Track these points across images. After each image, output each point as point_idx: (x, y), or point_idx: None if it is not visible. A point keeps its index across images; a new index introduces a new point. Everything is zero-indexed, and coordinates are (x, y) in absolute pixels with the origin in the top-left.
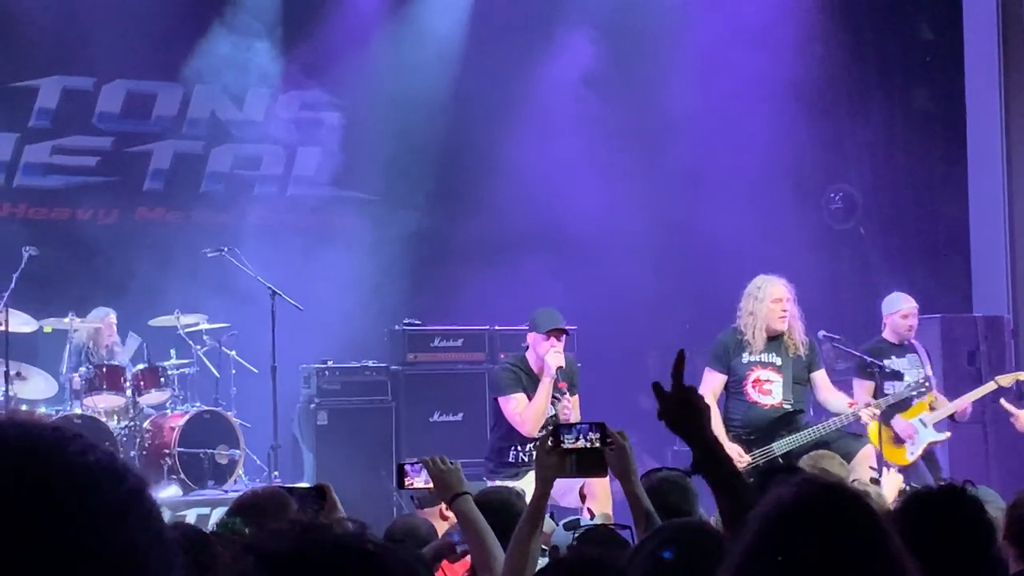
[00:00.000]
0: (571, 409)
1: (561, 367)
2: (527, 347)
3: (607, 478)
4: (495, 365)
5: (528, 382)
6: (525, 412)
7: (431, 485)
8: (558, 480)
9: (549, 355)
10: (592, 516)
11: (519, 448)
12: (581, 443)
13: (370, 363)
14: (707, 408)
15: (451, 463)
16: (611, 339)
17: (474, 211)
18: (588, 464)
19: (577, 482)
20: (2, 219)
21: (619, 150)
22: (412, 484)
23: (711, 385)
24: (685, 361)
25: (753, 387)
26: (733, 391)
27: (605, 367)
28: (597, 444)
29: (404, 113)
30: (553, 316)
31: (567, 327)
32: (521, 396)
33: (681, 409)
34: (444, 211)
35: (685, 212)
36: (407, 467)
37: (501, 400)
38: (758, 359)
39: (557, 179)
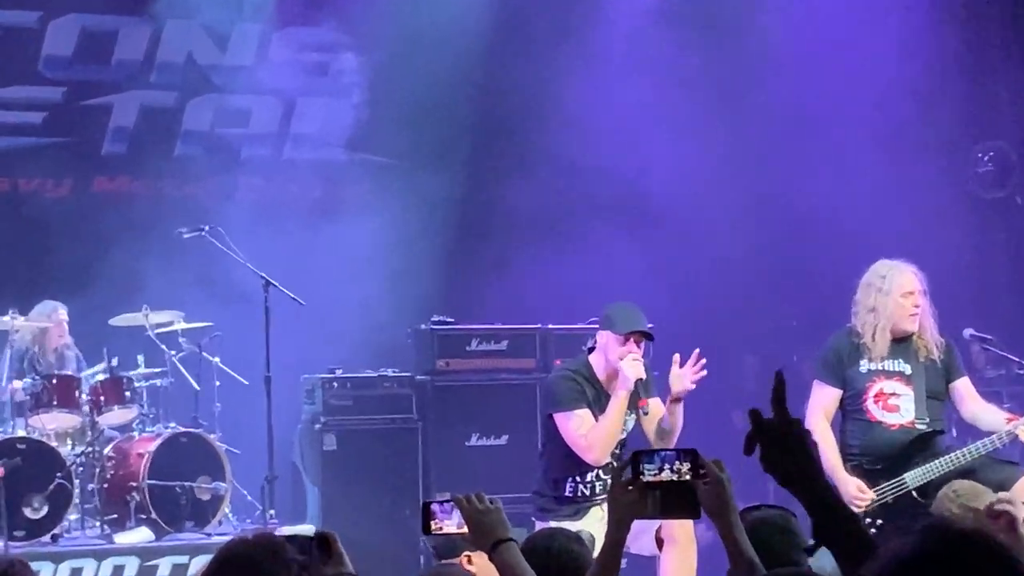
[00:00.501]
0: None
1: (641, 379)
2: (590, 349)
3: (691, 521)
4: (549, 374)
5: (593, 395)
6: (592, 434)
7: (465, 529)
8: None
9: (627, 363)
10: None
11: (578, 479)
12: (667, 475)
13: (390, 372)
14: (815, 447)
15: (490, 502)
16: (695, 340)
17: (521, 176)
18: (675, 502)
19: (652, 524)
20: None
21: (702, 96)
22: (441, 528)
23: (822, 402)
24: (785, 383)
25: (875, 403)
26: (850, 409)
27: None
28: (687, 476)
29: (433, 53)
30: (634, 315)
31: (650, 330)
32: (585, 413)
33: (783, 448)
34: (483, 176)
35: (788, 177)
36: (435, 507)
37: (559, 417)
38: (880, 367)
39: (625, 134)
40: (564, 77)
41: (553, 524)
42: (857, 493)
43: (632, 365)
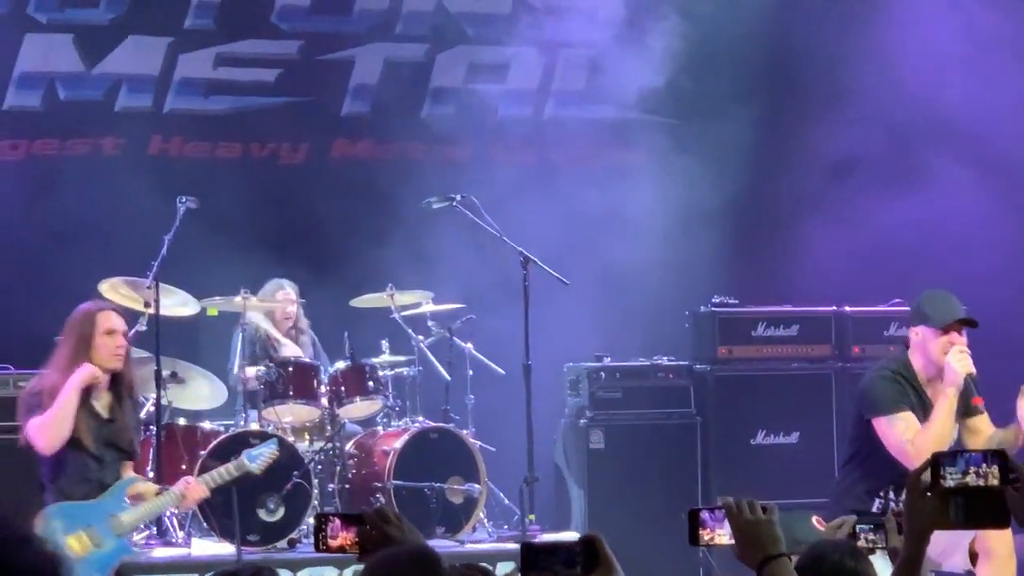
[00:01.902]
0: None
1: (971, 374)
2: (905, 346)
3: (1010, 531)
4: (860, 367)
5: (915, 399)
6: (920, 439)
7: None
8: (938, 534)
9: (953, 356)
10: None
11: (892, 494)
12: (972, 479)
13: (665, 360)
14: None
15: (763, 510)
16: (999, 330)
17: (823, 123)
18: (982, 510)
19: (965, 537)
20: (150, 158)
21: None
22: (712, 539)
23: None
24: None
25: None
26: None
27: (1005, 367)
28: (995, 481)
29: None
30: (949, 303)
31: (973, 318)
32: (910, 416)
33: None
34: (779, 126)
35: None
36: (704, 515)
37: (880, 422)
38: None
39: (954, 69)
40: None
41: None
42: None
43: (959, 358)
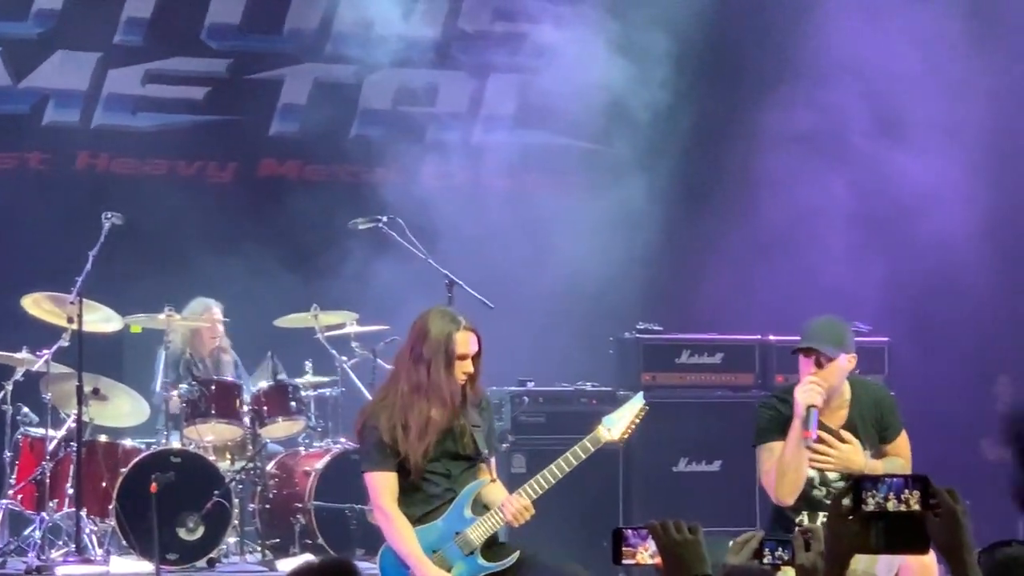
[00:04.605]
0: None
1: (814, 406)
2: None
3: (931, 556)
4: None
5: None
6: (774, 470)
7: (659, 560)
8: (858, 558)
9: (799, 387)
10: None
11: (806, 520)
12: (893, 505)
13: (588, 386)
14: None
15: (690, 530)
16: (940, 356)
17: (756, 146)
18: (902, 535)
19: (888, 563)
20: (76, 172)
21: (970, 55)
22: (635, 558)
23: None
24: None
25: None
26: None
27: (931, 397)
28: (916, 507)
29: (657, 8)
30: (805, 329)
31: (819, 347)
32: (778, 446)
33: None
34: (707, 150)
35: None
36: (628, 533)
37: (757, 451)
38: None
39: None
40: (815, 19)
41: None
42: None
43: (803, 389)
